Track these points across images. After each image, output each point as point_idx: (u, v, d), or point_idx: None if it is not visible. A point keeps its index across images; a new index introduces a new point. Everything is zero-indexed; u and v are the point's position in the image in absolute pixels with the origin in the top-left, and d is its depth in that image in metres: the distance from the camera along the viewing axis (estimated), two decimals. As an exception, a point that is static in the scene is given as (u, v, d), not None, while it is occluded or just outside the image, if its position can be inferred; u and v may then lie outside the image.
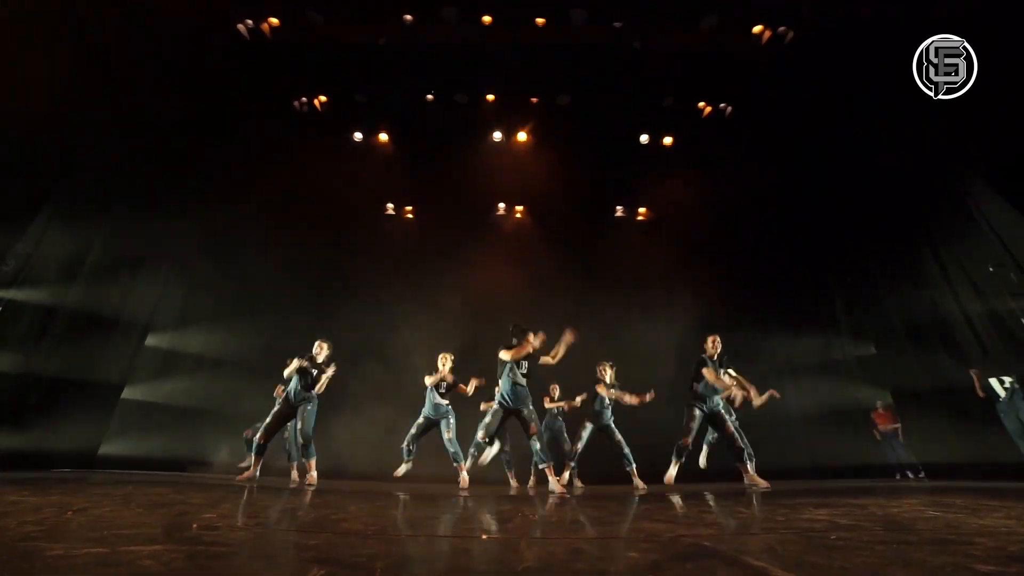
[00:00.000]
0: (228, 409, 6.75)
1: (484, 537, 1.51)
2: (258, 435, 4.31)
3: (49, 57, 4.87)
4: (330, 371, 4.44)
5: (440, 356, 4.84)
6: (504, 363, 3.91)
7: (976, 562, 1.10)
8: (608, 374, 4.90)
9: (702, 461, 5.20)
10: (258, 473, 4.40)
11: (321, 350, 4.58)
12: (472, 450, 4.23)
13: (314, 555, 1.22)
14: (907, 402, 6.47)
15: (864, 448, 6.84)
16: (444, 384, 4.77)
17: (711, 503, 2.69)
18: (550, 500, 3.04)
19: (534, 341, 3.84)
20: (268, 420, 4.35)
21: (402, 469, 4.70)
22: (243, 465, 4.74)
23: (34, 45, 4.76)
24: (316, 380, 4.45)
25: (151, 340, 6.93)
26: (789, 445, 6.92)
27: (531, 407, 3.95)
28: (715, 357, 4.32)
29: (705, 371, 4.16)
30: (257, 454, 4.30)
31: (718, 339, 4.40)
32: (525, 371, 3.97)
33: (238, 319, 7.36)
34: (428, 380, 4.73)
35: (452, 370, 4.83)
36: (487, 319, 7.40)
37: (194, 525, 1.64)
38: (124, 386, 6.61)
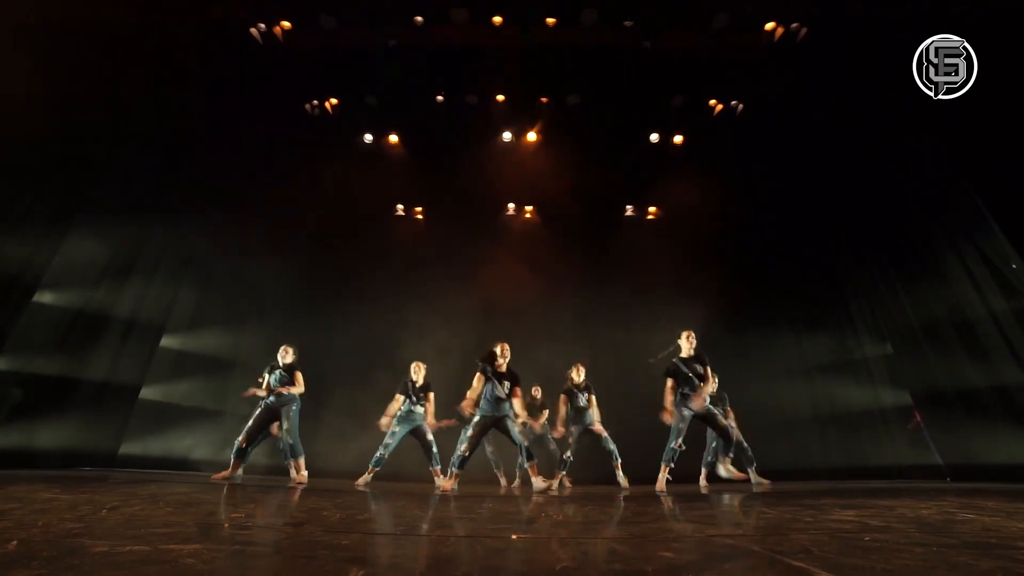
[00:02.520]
0: (239, 410, 6.83)
1: (515, 537, 1.51)
2: (239, 438, 4.37)
3: (67, 66, 4.96)
4: (297, 388, 4.56)
5: (413, 365, 4.86)
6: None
7: (1025, 566, 1.08)
8: (579, 376, 4.90)
9: (702, 483, 5.14)
10: (239, 474, 4.44)
11: (286, 354, 4.66)
12: (453, 466, 4.12)
13: (349, 555, 1.23)
14: (925, 403, 6.36)
15: (879, 449, 6.75)
16: (421, 394, 4.75)
17: (735, 504, 2.66)
18: (534, 498, 3.05)
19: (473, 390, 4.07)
20: (249, 424, 4.42)
21: (364, 479, 4.55)
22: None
23: (55, 54, 4.85)
24: (283, 382, 4.53)
25: (166, 341, 7.02)
26: (803, 445, 6.83)
27: (511, 414, 4.08)
28: (691, 355, 4.24)
29: (668, 383, 4.15)
30: (236, 457, 4.34)
31: (692, 335, 4.31)
32: (507, 391, 4.07)
33: (249, 321, 7.43)
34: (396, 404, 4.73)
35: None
36: (497, 319, 7.41)
37: (225, 524, 1.66)
38: (141, 387, 6.70)
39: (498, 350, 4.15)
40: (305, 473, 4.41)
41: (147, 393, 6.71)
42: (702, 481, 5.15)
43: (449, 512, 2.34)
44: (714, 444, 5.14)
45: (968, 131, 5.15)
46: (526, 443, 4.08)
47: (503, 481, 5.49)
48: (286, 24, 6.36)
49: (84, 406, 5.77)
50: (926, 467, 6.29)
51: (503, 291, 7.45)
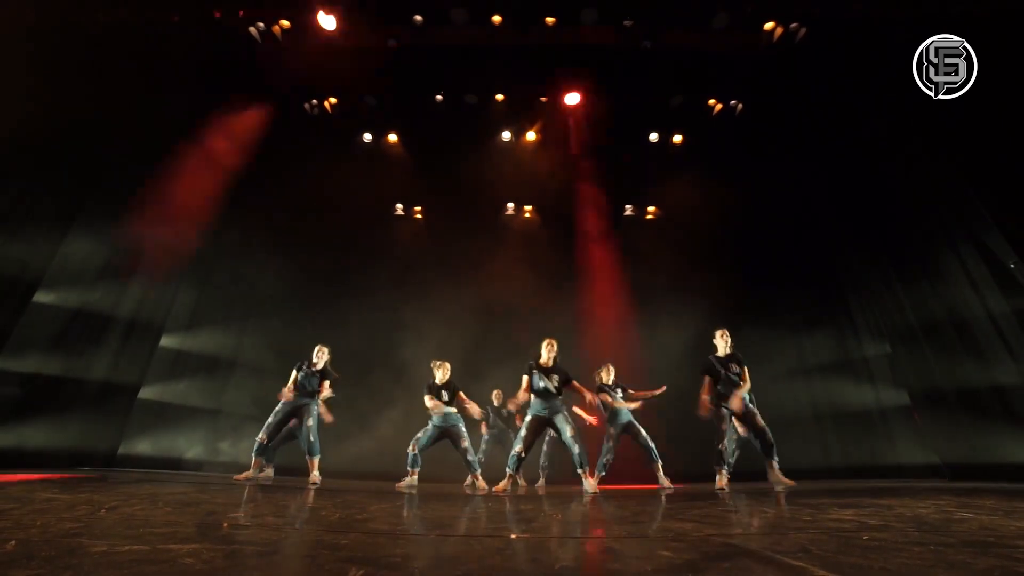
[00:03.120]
0: (238, 410, 6.83)
1: (514, 537, 1.52)
2: (260, 434, 4.32)
3: (67, 66, 4.95)
4: (326, 392, 4.56)
5: (434, 364, 4.68)
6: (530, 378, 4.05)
7: (1023, 566, 1.08)
8: (608, 376, 4.81)
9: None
10: (259, 473, 4.42)
11: (322, 355, 4.62)
12: (511, 464, 3.99)
13: (348, 555, 1.23)
14: (924, 402, 6.36)
15: (878, 448, 6.75)
16: (445, 393, 4.56)
17: (735, 503, 2.67)
18: (587, 499, 3.05)
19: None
20: (270, 420, 4.38)
21: (406, 481, 4.35)
22: (263, 473, 4.72)
23: (54, 54, 4.84)
24: (318, 386, 4.52)
25: (165, 341, 7.02)
26: (802, 444, 6.83)
27: (565, 412, 3.98)
28: (727, 353, 4.26)
29: (705, 380, 4.17)
30: (257, 454, 4.31)
31: (727, 333, 4.32)
32: (557, 384, 4.00)
33: (249, 321, 7.43)
34: (429, 401, 4.52)
35: (457, 377, 4.70)
36: (496, 319, 7.42)
37: (224, 524, 1.66)
38: (140, 386, 6.69)
39: (543, 346, 4.10)
40: (317, 474, 4.39)
41: (146, 393, 6.70)
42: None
43: (449, 511, 2.34)
44: (734, 447, 5.04)
45: (967, 130, 5.16)
46: (578, 448, 3.87)
47: (522, 482, 5.45)
48: (285, 23, 6.35)
49: (84, 406, 5.77)
50: (925, 466, 6.31)
51: (502, 290, 7.45)
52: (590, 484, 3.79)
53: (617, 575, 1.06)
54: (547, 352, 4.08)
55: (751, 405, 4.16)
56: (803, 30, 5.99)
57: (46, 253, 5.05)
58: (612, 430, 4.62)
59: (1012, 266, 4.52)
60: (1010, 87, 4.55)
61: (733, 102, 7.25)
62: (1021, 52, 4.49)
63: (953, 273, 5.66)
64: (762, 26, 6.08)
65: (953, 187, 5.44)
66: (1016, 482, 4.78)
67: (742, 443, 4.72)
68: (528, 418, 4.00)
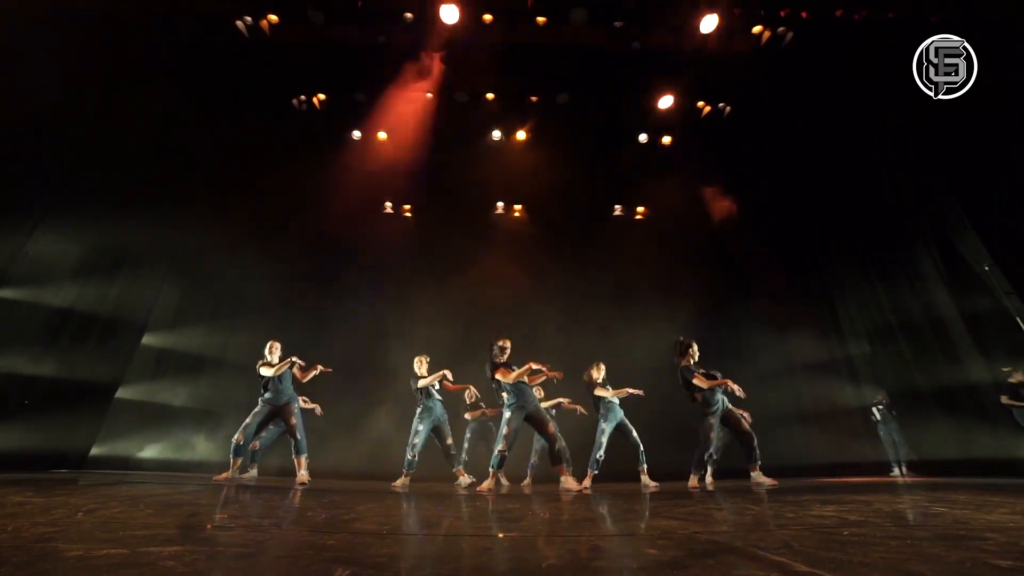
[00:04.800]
0: (221, 410, 6.72)
1: (501, 536, 1.52)
2: (236, 434, 4.26)
3: (51, 56, 4.81)
4: (276, 357, 4.53)
5: (416, 360, 4.76)
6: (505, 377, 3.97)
7: (993, 557, 1.12)
8: (599, 374, 4.80)
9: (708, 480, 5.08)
10: (243, 473, 4.36)
11: (273, 350, 4.60)
12: (494, 463, 3.93)
13: (334, 555, 1.22)
14: (901, 399, 6.54)
15: (859, 446, 6.92)
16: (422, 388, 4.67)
17: (720, 501, 2.71)
18: (565, 497, 3.06)
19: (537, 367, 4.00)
20: (247, 421, 4.32)
21: (400, 482, 4.44)
22: (246, 475, 4.65)
23: (36, 43, 4.69)
24: (291, 380, 4.50)
25: (147, 340, 6.86)
26: (786, 443, 6.97)
27: (539, 406, 3.98)
28: (695, 361, 4.37)
29: (696, 380, 4.21)
30: (235, 455, 4.25)
31: (695, 346, 4.43)
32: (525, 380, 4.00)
33: (233, 320, 7.30)
34: (422, 382, 4.64)
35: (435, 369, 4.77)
36: (485, 318, 7.40)
37: (208, 526, 1.63)
38: (117, 386, 6.53)
39: (497, 349, 4.07)
40: (305, 473, 4.33)
41: (125, 392, 6.54)
42: (708, 479, 5.12)
43: (436, 511, 2.33)
44: (718, 443, 5.08)
45: (947, 135, 5.31)
46: (557, 444, 3.85)
47: (504, 480, 5.45)
48: (273, 18, 6.25)
49: (57, 406, 5.61)
50: (905, 462, 6.48)
51: (491, 290, 7.45)
52: (568, 481, 3.79)
53: (604, 573, 1.07)
54: (500, 350, 4.09)
55: (734, 410, 4.27)
56: (789, 35, 6.10)
57: (12, 249, 4.89)
58: (604, 426, 4.62)
59: (987, 268, 4.67)
60: (990, 93, 4.67)
61: (721, 104, 7.35)
62: (995, 59, 4.62)
63: (931, 275, 5.84)
64: (751, 29, 6.17)
65: (933, 191, 5.59)
66: (987, 476, 4.93)
67: (725, 443, 4.79)
68: (508, 415, 3.95)
